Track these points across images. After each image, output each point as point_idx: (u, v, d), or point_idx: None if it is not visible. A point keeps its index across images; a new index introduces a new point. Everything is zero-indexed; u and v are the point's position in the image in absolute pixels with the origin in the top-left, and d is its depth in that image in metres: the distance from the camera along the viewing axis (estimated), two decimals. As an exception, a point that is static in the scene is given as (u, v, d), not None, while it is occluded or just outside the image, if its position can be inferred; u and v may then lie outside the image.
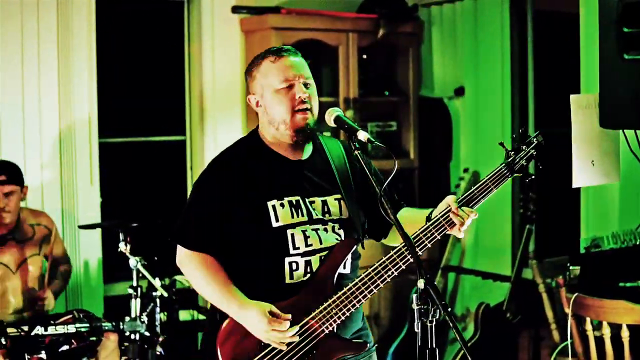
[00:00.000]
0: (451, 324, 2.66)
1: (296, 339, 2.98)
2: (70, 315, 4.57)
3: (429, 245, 3.02)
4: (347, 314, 3.00)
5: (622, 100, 3.62)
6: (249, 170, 3.07)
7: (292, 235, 3.03)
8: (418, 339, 2.70)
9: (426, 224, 3.02)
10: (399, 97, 6.65)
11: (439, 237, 3.01)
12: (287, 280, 3.03)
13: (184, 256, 3.11)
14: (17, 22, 5.39)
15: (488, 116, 6.37)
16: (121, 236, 4.56)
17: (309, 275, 3.04)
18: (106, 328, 4.46)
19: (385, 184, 2.93)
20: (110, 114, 5.87)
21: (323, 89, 6.24)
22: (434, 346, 2.69)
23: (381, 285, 3.01)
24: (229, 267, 3.08)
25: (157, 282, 4.62)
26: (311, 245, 3.04)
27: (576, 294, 4.18)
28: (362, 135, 2.97)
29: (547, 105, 6.54)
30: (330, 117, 3.07)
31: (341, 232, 3.11)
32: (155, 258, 4.73)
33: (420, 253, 2.95)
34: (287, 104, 3.05)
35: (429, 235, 3.01)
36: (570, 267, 4.40)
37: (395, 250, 3.00)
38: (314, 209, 3.08)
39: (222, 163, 3.12)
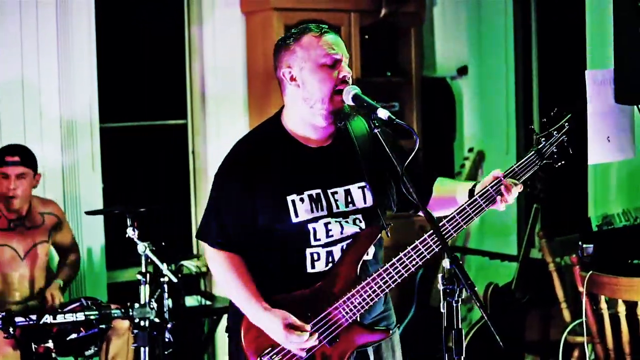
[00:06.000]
0: (477, 303, 2.62)
1: (314, 343, 2.92)
2: (78, 304, 4.52)
3: (475, 218, 2.99)
4: (371, 303, 2.94)
5: (638, 76, 3.59)
6: (267, 163, 2.98)
7: (314, 228, 2.95)
8: (443, 319, 2.65)
9: (473, 196, 2.94)
10: (401, 78, 6.57)
11: (486, 208, 2.94)
12: (309, 270, 2.98)
13: (210, 252, 3.07)
14: (15, 6, 5.32)
15: (492, 95, 6.31)
16: (129, 222, 4.48)
17: (330, 264, 2.98)
18: (115, 315, 4.39)
19: (406, 162, 2.84)
20: (111, 99, 5.78)
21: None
22: (460, 326, 2.65)
23: (405, 275, 2.91)
24: (250, 258, 3.03)
25: (164, 268, 4.55)
26: (332, 235, 2.97)
27: (590, 272, 4.13)
28: (383, 114, 2.90)
29: (551, 84, 6.49)
30: (347, 95, 3.00)
31: (362, 224, 3.01)
32: (163, 244, 4.66)
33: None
34: (330, 82, 2.95)
35: (474, 209, 2.96)
36: (583, 245, 4.36)
37: (420, 240, 2.91)
38: (336, 200, 2.99)
39: (241, 156, 3.03)
